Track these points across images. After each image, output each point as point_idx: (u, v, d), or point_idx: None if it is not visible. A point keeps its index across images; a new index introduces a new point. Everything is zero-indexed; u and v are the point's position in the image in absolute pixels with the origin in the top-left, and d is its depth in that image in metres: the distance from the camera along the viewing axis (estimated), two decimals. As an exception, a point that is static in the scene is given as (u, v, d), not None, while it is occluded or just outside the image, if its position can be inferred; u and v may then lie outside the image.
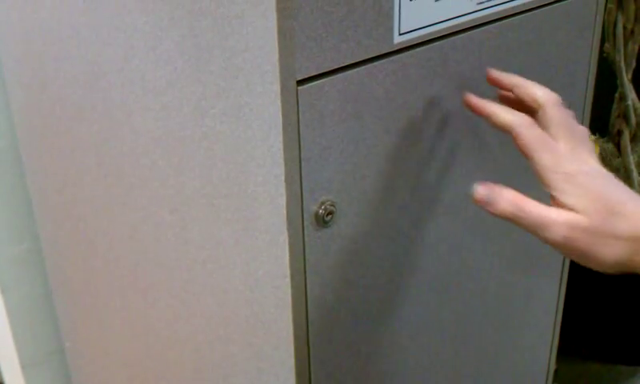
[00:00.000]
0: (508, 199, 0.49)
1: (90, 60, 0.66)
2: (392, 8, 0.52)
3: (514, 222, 0.49)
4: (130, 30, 0.58)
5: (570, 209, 0.47)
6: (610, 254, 0.48)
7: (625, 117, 1.38)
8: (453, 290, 0.69)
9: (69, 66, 0.70)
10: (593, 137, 1.55)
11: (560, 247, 0.48)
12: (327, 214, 0.52)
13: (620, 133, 1.39)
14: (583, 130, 0.53)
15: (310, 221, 0.52)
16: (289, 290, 0.52)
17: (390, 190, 0.58)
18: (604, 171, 0.50)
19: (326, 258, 0.55)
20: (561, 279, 0.87)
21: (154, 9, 0.55)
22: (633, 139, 1.39)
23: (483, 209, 0.50)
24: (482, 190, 0.50)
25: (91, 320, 0.91)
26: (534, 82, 0.55)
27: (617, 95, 1.38)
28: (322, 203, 0.52)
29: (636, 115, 1.37)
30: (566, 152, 0.50)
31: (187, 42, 0.53)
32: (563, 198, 0.48)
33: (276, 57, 0.46)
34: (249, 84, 0.49)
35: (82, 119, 0.71)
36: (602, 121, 1.42)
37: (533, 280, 0.82)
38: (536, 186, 0.49)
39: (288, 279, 0.52)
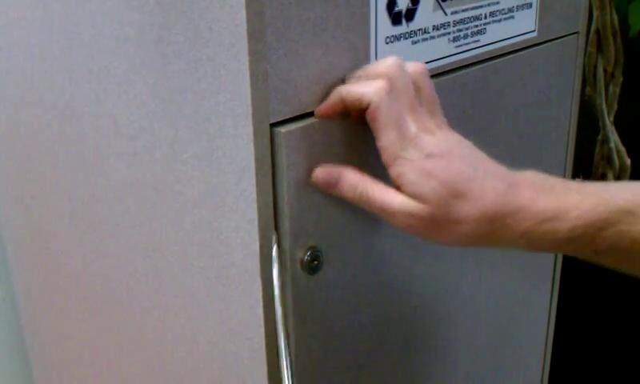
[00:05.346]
0: (350, 183, 0.47)
1: (63, 104, 0.64)
2: (368, 51, 0.51)
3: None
4: (102, 73, 0.57)
5: (411, 196, 0.45)
6: (456, 238, 0.46)
7: (608, 159, 1.38)
8: (442, 339, 0.67)
9: (42, 111, 0.68)
10: (577, 179, 1.55)
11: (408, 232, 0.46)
12: (313, 261, 0.51)
13: (604, 175, 1.39)
14: (431, 91, 0.49)
15: (296, 267, 0.50)
16: (263, 341, 0.50)
17: (378, 236, 0.56)
18: (452, 142, 0.47)
19: (312, 306, 0.52)
20: (548, 325, 0.86)
21: (127, 51, 0.54)
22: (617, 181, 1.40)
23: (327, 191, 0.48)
24: (320, 174, 0.47)
25: (65, 369, 0.88)
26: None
27: (599, 138, 1.38)
28: (308, 249, 0.50)
29: (619, 158, 1.37)
30: (413, 132, 0.46)
31: (159, 85, 0.52)
32: (404, 184, 0.45)
33: (249, 99, 0.45)
34: (221, 127, 0.48)
35: (56, 165, 0.70)
36: (585, 163, 1.43)
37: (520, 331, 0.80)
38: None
39: (262, 329, 0.50)
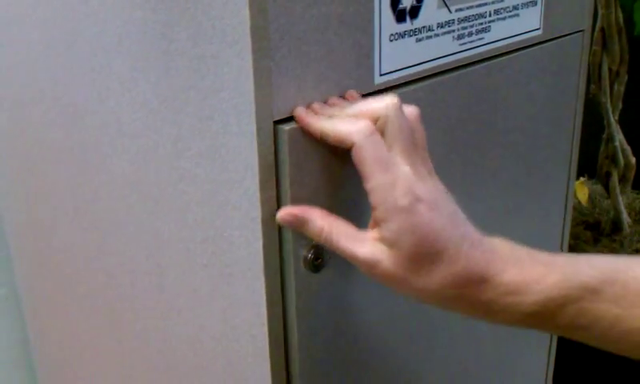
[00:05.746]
0: (315, 228, 0.46)
1: (66, 102, 0.64)
2: (372, 48, 0.51)
3: None
4: (105, 71, 0.57)
5: (384, 240, 0.44)
6: (417, 294, 0.45)
7: (613, 158, 1.38)
8: (445, 337, 0.67)
9: (45, 109, 0.68)
10: (582, 178, 1.55)
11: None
12: (316, 259, 0.50)
13: (608, 174, 1.39)
14: (423, 139, 0.47)
15: (299, 266, 0.50)
16: (266, 339, 0.50)
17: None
18: (440, 194, 0.46)
19: (315, 304, 0.52)
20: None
21: (130, 49, 0.54)
22: (621, 180, 1.39)
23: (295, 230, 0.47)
24: (284, 216, 0.46)
25: (68, 366, 0.88)
26: (363, 101, 0.47)
27: (604, 136, 1.38)
28: (311, 247, 0.50)
29: (624, 156, 1.37)
30: (404, 176, 0.44)
31: (162, 83, 0.52)
32: (382, 227, 0.44)
33: (252, 97, 0.45)
34: (225, 125, 0.48)
35: (59, 163, 0.70)
36: (590, 162, 1.42)
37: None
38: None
39: (265, 328, 0.50)
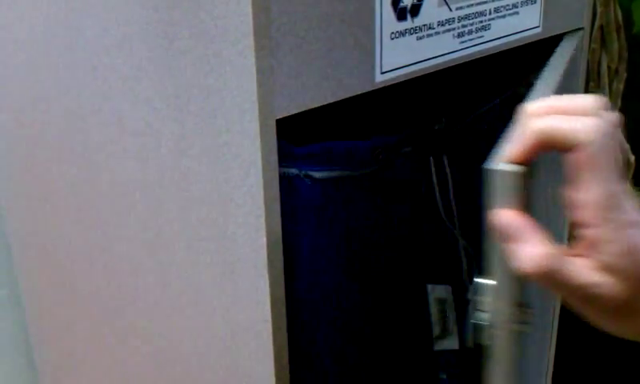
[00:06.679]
0: (531, 254, 0.37)
1: (68, 101, 0.65)
2: (373, 47, 0.51)
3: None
4: (107, 69, 0.57)
5: (605, 267, 0.37)
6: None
7: (612, 156, 1.38)
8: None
9: (47, 108, 0.69)
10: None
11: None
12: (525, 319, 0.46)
13: (608, 172, 1.39)
14: (624, 146, 0.40)
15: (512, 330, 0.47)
16: (270, 337, 0.50)
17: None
18: None
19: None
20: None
21: (132, 48, 0.54)
22: (620, 178, 1.39)
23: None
24: (501, 218, 0.39)
25: (70, 366, 0.88)
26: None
27: (603, 134, 1.38)
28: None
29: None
30: (620, 190, 0.37)
31: (165, 82, 0.52)
32: (603, 252, 0.37)
33: (255, 95, 0.45)
34: (228, 123, 0.48)
35: (61, 162, 0.70)
36: (589, 160, 1.42)
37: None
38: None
39: (269, 324, 0.50)
